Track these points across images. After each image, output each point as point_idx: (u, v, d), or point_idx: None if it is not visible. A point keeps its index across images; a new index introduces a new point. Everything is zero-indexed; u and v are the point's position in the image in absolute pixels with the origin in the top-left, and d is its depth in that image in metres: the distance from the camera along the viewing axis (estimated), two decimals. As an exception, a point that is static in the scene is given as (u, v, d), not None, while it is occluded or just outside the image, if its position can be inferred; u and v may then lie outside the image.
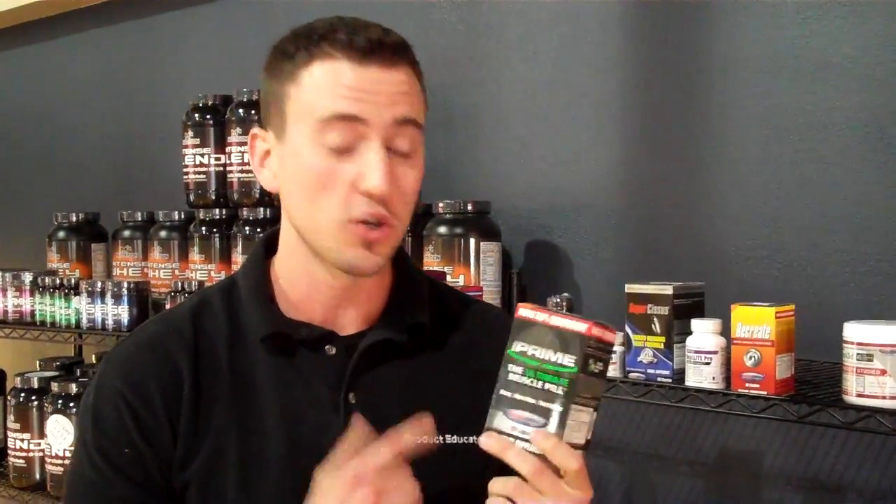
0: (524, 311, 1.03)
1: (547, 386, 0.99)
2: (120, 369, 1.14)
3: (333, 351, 1.14)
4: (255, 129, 1.17)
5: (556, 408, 0.99)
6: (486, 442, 1.01)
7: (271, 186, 1.16)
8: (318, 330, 1.14)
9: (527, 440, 0.99)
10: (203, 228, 2.41)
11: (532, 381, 1.00)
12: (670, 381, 1.63)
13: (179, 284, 2.34)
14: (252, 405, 1.12)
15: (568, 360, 0.99)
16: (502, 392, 1.02)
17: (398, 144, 1.09)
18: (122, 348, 1.19)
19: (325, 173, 1.07)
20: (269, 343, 1.13)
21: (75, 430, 1.17)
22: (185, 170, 2.45)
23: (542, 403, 0.99)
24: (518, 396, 1.01)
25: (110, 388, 1.13)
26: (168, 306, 2.32)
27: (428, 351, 1.18)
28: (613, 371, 1.71)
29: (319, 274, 1.14)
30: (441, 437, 1.06)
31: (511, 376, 1.02)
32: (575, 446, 1.00)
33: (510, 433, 1.00)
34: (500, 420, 1.01)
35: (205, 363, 1.14)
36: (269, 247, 1.21)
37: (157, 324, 1.21)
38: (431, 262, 2.05)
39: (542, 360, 1.00)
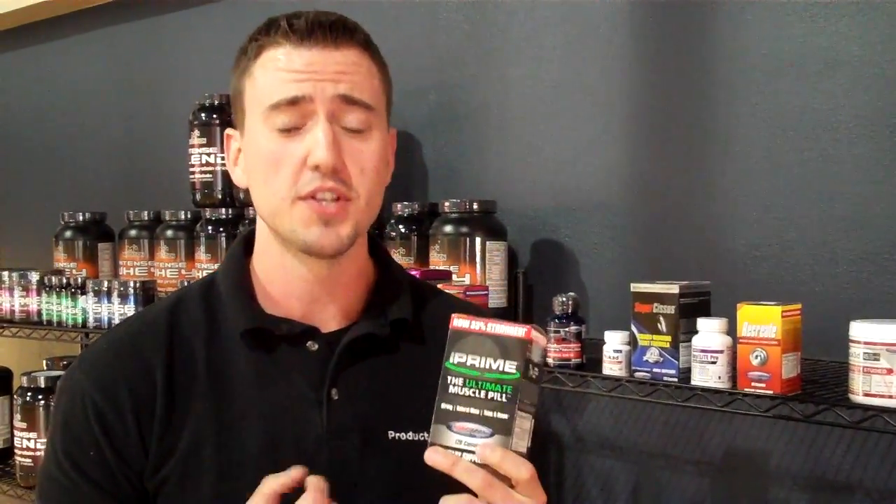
0: (459, 321, 1.01)
1: (490, 395, 0.97)
2: (90, 370, 1.13)
3: (315, 347, 1.14)
4: (229, 130, 1.19)
5: (502, 416, 0.97)
6: (432, 458, 0.97)
7: (242, 183, 1.17)
8: (298, 325, 1.14)
9: (474, 453, 0.96)
10: (209, 228, 2.41)
11: (474, 392, 0.98)
12: (676, 380, 1.62)
13: (186, 284, 2.33)
14: (230, 401, 1.11)
15: (510, 367, 0.98)
16: (444, 406, 0.99)
17: (347, 122, 1.10)
18: (94, 348, 1.18)
19: (274, 154, 1.09)
20: (248, 339, 1.13)
21: (48, 430, 1.17)
22: (191, 169, 2.45)
23: (487, 413, 0.97)
24: (461, 408, 0.98)
25: (79, 390, 1.12)
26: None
27: (409, 346, 1.18)
28: (619, 370, 1.71)
29: (293, 267, 1.14)
30: (423, 434, 1.04)
31: (452, 388, 0.99)
32: (519, 455, 0.98)
33: (456, 447, 0.97)
34: (444, 435, 0.99)
35: (180, 360, 1.12)
36: (248, 245, 1.21)
37: (131, 323, 1.21)
38: (437, 261, 2.05)
39: (483, 368, 0.98)
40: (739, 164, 1.89)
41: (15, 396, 2.72)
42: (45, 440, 2.61)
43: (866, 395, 1.42)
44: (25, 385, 2.68)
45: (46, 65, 3.48)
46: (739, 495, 1.92)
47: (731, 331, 1.58)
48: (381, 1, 2.37)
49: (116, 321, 2.46)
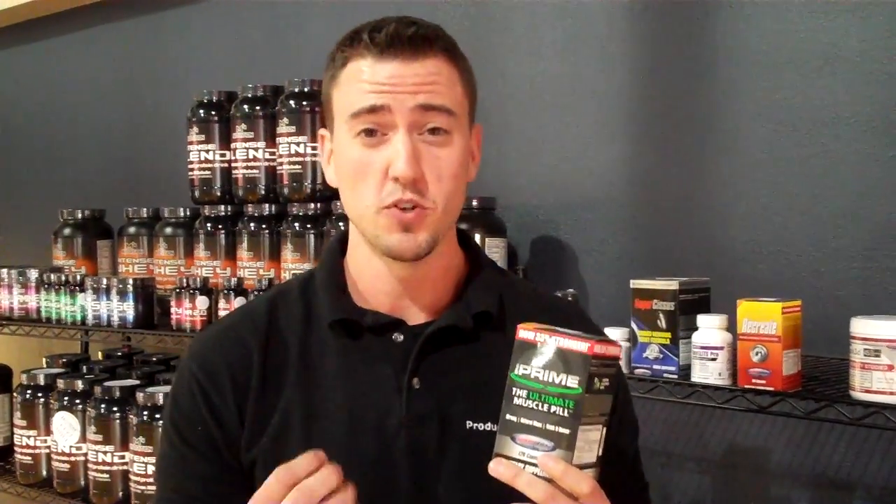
0: (524, 332, 1.01)
1: (553, 409, 0.98)
2: (196, 355, 1.24)
3: (401, 338, 1.19)
4: (322, 130, 1.26)
5: (564, 430, 0.97)
6: (496, 469, 1.00)
7: (334, 183, 1.23)
8: (384, 317, 1.20)
9: (536, 465, 0.97)
10: (208, 225, 2.41)
11: (537, 405, 0.98)
12: (676, 377, 1.62)
13: (185, 281, 2.34)
14: (317, 387, 1.19)
15: (572, 382, 0.97)
16: (508, 417, 1.00)
17: (427, 130, 1.14)
18: (201, 335, 1.34)
19: (360, 163, 1.14)
20: (337, 328, 1.19)
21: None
22: (190, 166, 2.45)
23: (549, 427, 0.98)
24: (524, 421, 0.99)
25: (187, 372, 1.22)
26: (173, 303, 2.33)
27: (492, 338, 1.20)
28: (619, 367, 1.70)
29: (379, 266, 1.20)
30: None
31: (516, 400, 1.00)
32: (586, 465, 0.98)
33: (519, 458, 0.98)
34: (508, 446, 1.00)
35: (275, 348, 1.21)
36: (344, 242, 1.27)
37: (235, 313, 1.31)
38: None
39: (546, 382, 0.98)
40: (739, 160, 1.89)
41: (15, 394, 2.72)
42: (44, 438, 2.62)
43: (867, 391, 1.42)
44: (25, 383, 2.68)
45: (45, 61, 3.48)
46: (740, 492, 1.92)
47: (732, 327, 1.57)
48: (379, 1, 2.37)
49: (116, 319, 2.46)
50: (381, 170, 1.13)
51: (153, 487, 2.26)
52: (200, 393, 1.20)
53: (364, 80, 1.13)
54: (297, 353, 1.20)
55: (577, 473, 0.97)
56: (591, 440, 0.99)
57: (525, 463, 0.98)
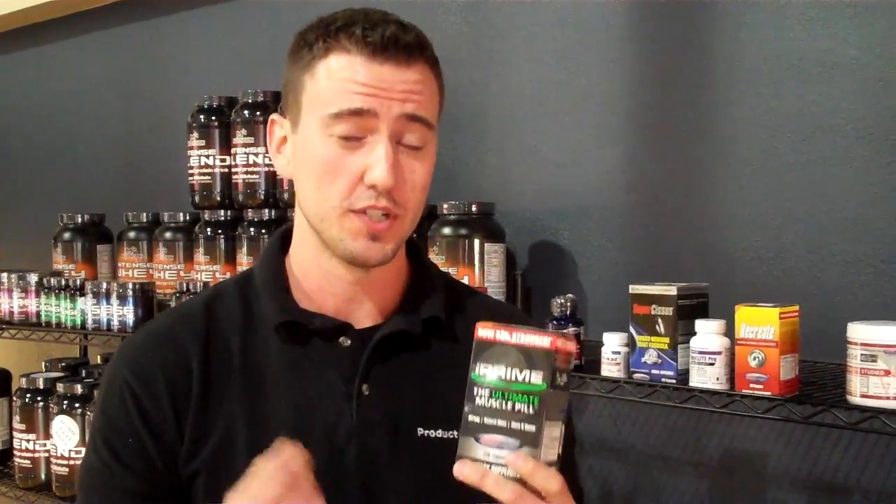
0: (483, 331, 0.99)
1: (517, 406, 0.96)
2: (128, 360, 1.15)
3: (348, 343, 1.15)
4: (274, 116, 1.19)
5: (530, 428, 0.95)
6: (461, 471, 0.96)
7: (285, 173, 1.18)
8: (332, 321, 1.15)
9: (503, 465, 0.95)
10: (208, 230, 2.41)
11: (501, 403, 0.96)
12: (674, 381, 1.63)
13: (184, 285, 2.34)
14: (263, 393, 1.13)
15: (536, 378, 0.95)
16: (471, 418, 0.97)
17: (407, 139, 1.11)
18: (133, 339, 1.21)
19: (332, 163, 1.09)
20: (282, 332, 1.14)
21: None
22: (190, 171, 2.45)
23: (515, 425, 0.96)
24: (488, 420, 0.97)
25: (119, 379, 1.14)
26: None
27: (442, 344, 1.19)
28: (618, 372, 1.71)
29: (330, 266, 1.15)
30: (453, 432, 1.04)
31: (478, 400, 0.97)
32: (550, 463, 0.97)
33: (484, 459, 0.96)
34: (472, 447, 0.97)
35: (216, 352, 1.14)
36: (285, 241, 1.22)
37: (169, 315, 1.24)
38: (436, 262, 2.05)
39: (509, 380, 0.96)
40: (737, 166, 1.90)
41: (14, 398, 2.73)
42: (43, 442, 2.62)
43: (864, 396, 1.43)
44: (24, 386, 2.68)
45: (45, 67, 3.48)
46: (738, 496, 1.92)
47: (730, 332, 1.58)
48: (380, 4, 2.37)
49: (115, 323, 2.47)
50: (355, 173, 1.08)
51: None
52: (133, 401, 1.12)
53: (349, 79, 1.08)
54: (239, 357, 1.14)
55: (546, 471, 0.95)
56: (554, 437, 0.98)
57: (490, 464, 0.96)
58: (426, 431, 1.14)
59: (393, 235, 1.12)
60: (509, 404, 0.96)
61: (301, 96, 1.13)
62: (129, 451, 1.12)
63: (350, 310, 1.17)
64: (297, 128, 1.14)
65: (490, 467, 0.96)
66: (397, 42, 1.09)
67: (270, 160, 2.27)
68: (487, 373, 0.98)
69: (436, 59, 1.16)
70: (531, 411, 0.95)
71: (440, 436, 1.13)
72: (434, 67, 1.16)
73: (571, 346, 0.99)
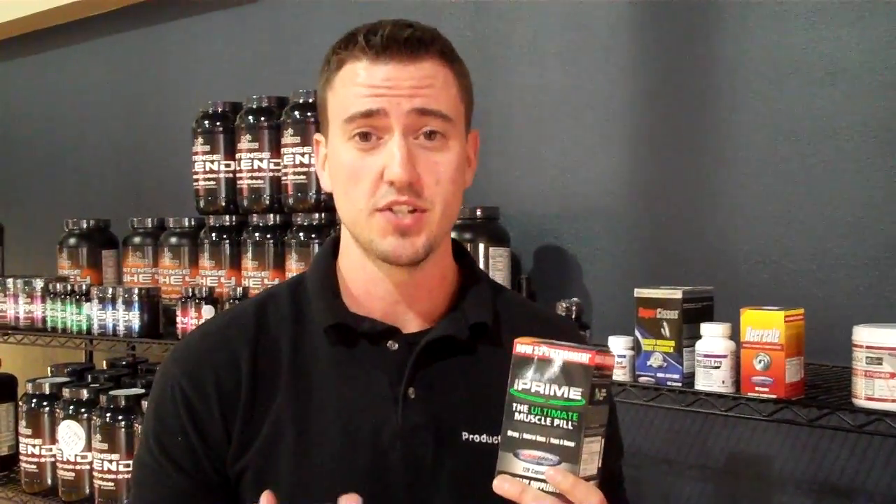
0: (522, 346, 1.00)
1: (556, 422, 0.97)
2: (180, 360, 1.18)
3: (395, 346, 1.16)
4: (317, 136, 1.23)
5: (569, 443, 0.96)
6: (500, 486, 0.98)
7: (328, 188, 1.21)
8: (380, 325, 1.17)
9: (543, 480, 0.96)
10: (213, 234, 2.42)
11: (540, 419, 0.97)
12: (680, 385, 1.63)
13: (190, 290, 2.35)
14: (310, 395, 1.15)
15: (575, 394, 0.96)
16: (510, 433, 0.99)
17: (423, 134, 1.13)
18: (186, 339, 1.24)
19: (354, 167, 1.13)
20: (331, 334, 1.16)
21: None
22: (195, 176, 2.46)
23: (554, 441, 0.97)
24: (527, 436, 0.98)
25: (170, 378, 1.17)
26: (179, 312, 2.34)
27: (488, 349, 1.19)
28: (623, 375, 1.71)
29: (373, 271, 1.17)
30: (497, 437, 1.04)
31: (517, 416, 0.99)
32: (590, 478, 0.98)
33: (523, 475, 0.97)
34: (511, 462, 0.98)
35: (265, 353, 1.16)
36: (336, 246, 1.25)
37: (223, 316, 1.28)
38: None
39: (548, 395, 0.97)
40: (742, 170, 1.90)
41: (20, 403, 2.73)
42: (49, 447, 2.62)
43: (869, 399, 1.43)
44: (30, 392, 2.68)
45: (51, 73, 3.49)
46: (743, 499, 1.93)
47: (735, 336, 1.58)
48: (384, 8, 2.38)
49: (121, 328, 2.47)
50: (375, 173, 1.11)
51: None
52: (183, 401, 1.14)
53: (359, 84, 1.11)
54: (288, 358, 1.16)
55: (585, 486, 0.96)
56: (593, 452, 0.98)
57: (530, 479, 0.97)
58: (471, 436, 1.15)
59: (421, 230, 1.13)
60: (548, 420, 0.97)
61: (326, 112, 1.17)
62: (179, 449, 1.15)
63: (397, 313, 1.18)
64: (328, 142, 1.18)
65: (529, 482, 0.97)
66: (396, 40, 1.11)
67: (283, 169, 2.27)
68: (526, 388, 0.99)
69: (449, 52, 1.17)
70: (570, 427, 0.96)
71: (485, 441, 1.14)
72: (447, 60, 1.16)
73: (610, 361, 1.00)
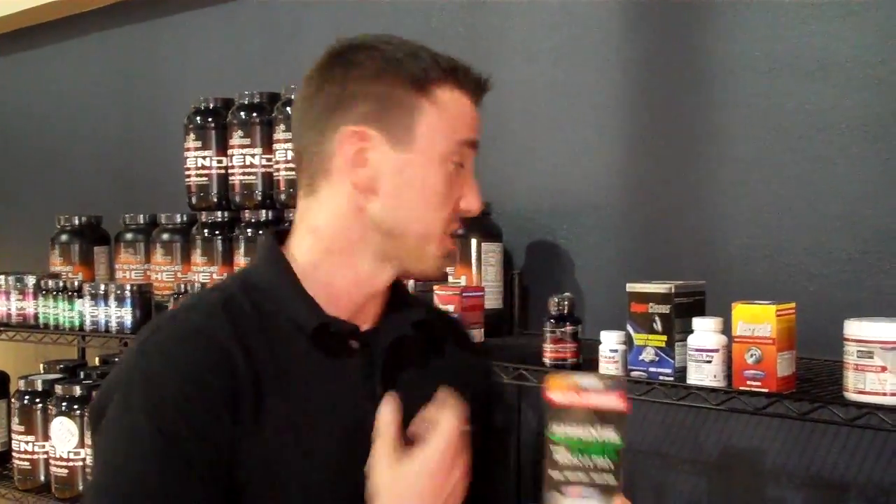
0: (555, 395, 1.10)
1: (596, 461, 1.07)
2: (171, 360, 1.10)
3: (357, 345, 1.19)
4: (355, 127, 1.16)
5: (611, 480, 1.07)
6: None
7: (361, 183, 1.17)
8: (348, 325, 1.19)
9: None
10: (205, 231, 2.42)
11: (581, 460, 1.08)
12: (672, 379, 1.63)
13: (182, 287, 2.34)
14: (300, 397, 1.14)
15: (612, 436, 1.07)
16: (551, 473, 1.09)
17: None
18: (164, 339, 1.14)
19: (448, 187, 1.19)
20: (312, 335, 1.15)
21: (111, 432, 1.09)
22: (187, 172, 2.46)
23: (596, 478, 1.07)
24: (569, 475, 1.08)
25: (164, 379, 1.09)
26: (171, 308, 2.33)
27: (425, 345, 1.26)
28: (615, 370, 1.72)
29: (372, 276, 1.20)
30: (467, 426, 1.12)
31: (557, 457, 1.09)
32: None
33: None
34: (557, 500, 1.09)
35: (253, 355, 1.12)
36: (282, 244, 1.23)
37: (195, 314, 1.17)
38: (433, 262, 2.06)
39: (587, 439, 1.08)
40: (733, 164, 1.90)
41: (13, 400, 2.73)
42: (42, 443, 2.62)
43: (860, 392, 1.43)
44: (23, 388, 2.68)
45: (42, 68, 3.49)
46: (735, 493, 1.93)
47: (727, 330, 1.59)
48: (376, 5, 2.38)
49: (113, 324, 2.47)
50: (456, 199, 1.20)
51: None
52: (185, 404, 1.07)
53: (469, 115, 1.24)
54: (270, 360, 1.13)
55: None
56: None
57: None
58: None
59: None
60: (588, 460, 1.08)
61: (417, 118, 1.17)
62: (190, 453, 1.07)
63: (359, 314, 1.21)
64: (406, 146, 1.17)
65: None
66: (484, 89, 1.30)
67: (267, 165, 2.26)
68: (564, 433, 1.09)
69: None
70: (610, 465, 1.07)
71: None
72: None
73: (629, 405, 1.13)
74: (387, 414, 1.12)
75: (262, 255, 1.24)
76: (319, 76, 1.19)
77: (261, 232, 2.29)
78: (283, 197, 2.27)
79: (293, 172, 2.21)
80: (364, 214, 1.17)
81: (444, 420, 1.10)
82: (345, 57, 1.19)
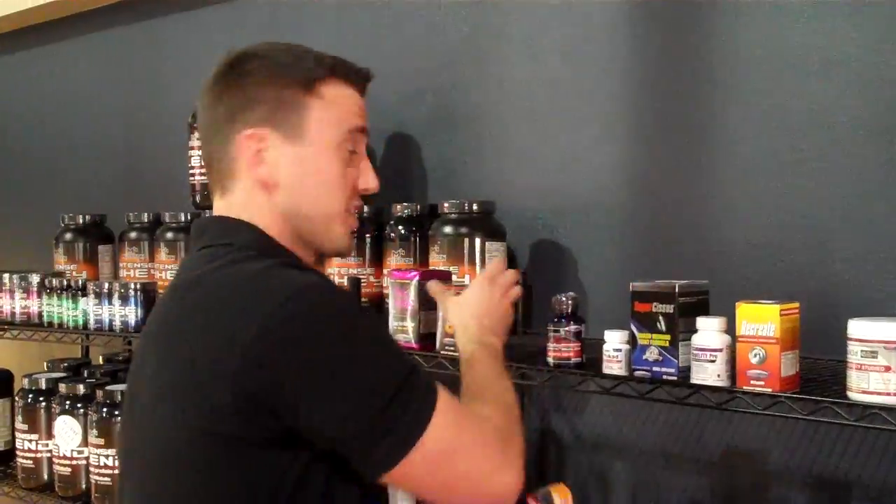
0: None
1: None
2: (344, 292, 1.55)
3: None
4: (251, 130, 1.33)
5: None
6: None
7: (266, 176, 1.33)
8: None
9: None
10: (209, 229, 2.41)
11: None
12: (675, 378, 1.63)
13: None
14: None
15: None
16: None
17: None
18: (321, 288, 1.24)
19: (342, 172, 1.37)
20: None
21: (329, 327, 1.19)
22: (190, 171, 2.46)
23: None
24: None
25: (353, 303, 1.41)
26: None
27: None
28: (619, 369, 1.72)
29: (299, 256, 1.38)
30: None
31: None
32: None
33: None
34: None
35: None
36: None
37: (319, 275, 1.31)
38: (437, 261, 2.06)
39: None
40: (737, 163, 1.90)
41: (16, 398, 2.73)
42: (45, 442, 2.62)
43: (864, 392, 1.43)
44: (27, 387, 2.68)
45: (46, 67, 3.49)
46: (739, 493, 1.93)
47: (730, 329, 1.58)
48: (380, 4, 2.38)
49: (117, 323, 2.47)
50: (353, 181, 1.39)
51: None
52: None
53: (359, 106, 1.39)
54: None
55: None
56: None
57: None
58: None
59: None
60: None
61: (305, 114, 1.33)
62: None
63: None
64: (299, 142, 1.34)
65: None
66: (368, 79, 1.43)
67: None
68: None
69: None
70: None
71: None
72: None
73: None
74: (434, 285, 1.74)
75: (261, 237, 1.34)
76: (218, 87, 1.38)
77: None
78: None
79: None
80: (275, 206, 1.34)
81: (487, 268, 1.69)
82: (238, 67, 1.36)
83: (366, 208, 2.20)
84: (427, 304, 1.88)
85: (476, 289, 1.64)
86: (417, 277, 1.90)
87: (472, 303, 1.62)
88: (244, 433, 1.16)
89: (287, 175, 1.33)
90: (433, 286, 1.77)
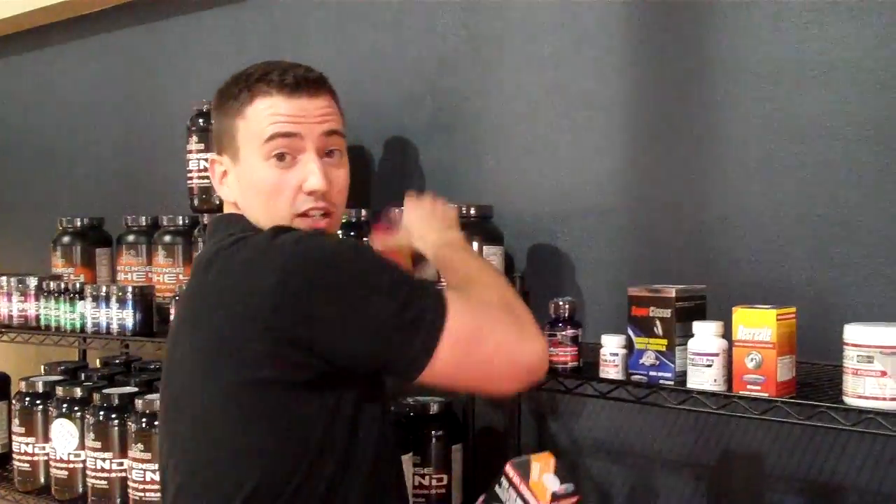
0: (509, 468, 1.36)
1: None
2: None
3: None
4: (212, 156, 1.55)
5: None
6: None
7: (229, 197, 1.54)
8: None
9: None
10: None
11: None
12: (672, 383, 1.64)
13: (183, 289, 2.34)
14: None
15: None
16: None
17: (329, 152, 1.49)
18: (319, 230, 1.46)
19: (274, 182, 1.45)
20: None
21: (329, 267, 1.33)
22: (188, 174, 2.46)
23: None
24: None
25: (346, 237, 1.62)
26: (172, 311, 2.33)
27: None
28: (616, 373, 1.72)
29: None
30: None
31: None
32: None
33: None
34: None
35: None
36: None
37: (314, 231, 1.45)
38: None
39: None
40: (734, 169, 1.91)
41: (13, 401, 2.73)
42: (42, 445, 2.62)
43: (860, 397, 1.43)
44: (24, 390, 2.68)
45: (44, 70, 3.49)
46: (735, 497, 1.93)
47: (727, 334, 1.59)
48: (379, 8, 2.38)
49: (115, 326, 2.47)
50: (294, 186, 1.44)
51: (152, 493, 2.27)
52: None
53: (277, 113, 1.44)
54: None
55: None
56: None
57: None
58: None
59: (330, 228, 1.50)
60: None
61: (237, 136, 1.48)
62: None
63: None
64: (238, 161, 1.49)
65: None
66: (307, 80, 1.47)
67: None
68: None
69: (334, 89, 1.53)
70: None
71: None
72: (334, 94, 1.53)
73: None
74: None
75: (240, 222, 1.49)
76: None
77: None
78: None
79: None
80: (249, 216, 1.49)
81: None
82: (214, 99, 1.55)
83: (363, 212, 2.20)
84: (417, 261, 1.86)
85: (409, 210, 1.75)
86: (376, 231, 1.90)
87: (414, 219, 1.73)
88: (282, 377, 1.30)
89: (238, 193, 1.50)
90: (394, 217, 1.85)
